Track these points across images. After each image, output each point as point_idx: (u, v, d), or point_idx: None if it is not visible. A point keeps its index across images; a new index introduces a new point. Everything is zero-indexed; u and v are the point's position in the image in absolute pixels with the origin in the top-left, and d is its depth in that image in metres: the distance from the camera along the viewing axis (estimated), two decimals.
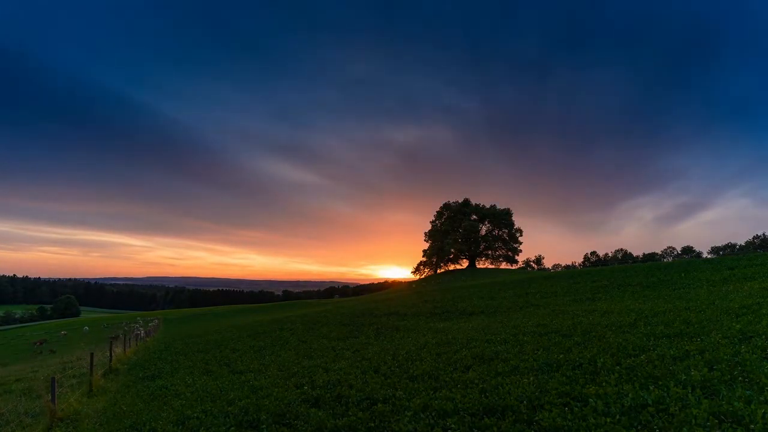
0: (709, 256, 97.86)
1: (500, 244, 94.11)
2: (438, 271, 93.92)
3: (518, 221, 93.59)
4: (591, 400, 5.82)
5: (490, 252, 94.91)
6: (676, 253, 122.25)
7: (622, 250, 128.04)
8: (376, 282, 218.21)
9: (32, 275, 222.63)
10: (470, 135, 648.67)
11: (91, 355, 13.31)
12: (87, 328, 59.44)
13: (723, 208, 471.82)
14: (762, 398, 4.99)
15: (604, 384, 6.42)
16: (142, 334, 29.98)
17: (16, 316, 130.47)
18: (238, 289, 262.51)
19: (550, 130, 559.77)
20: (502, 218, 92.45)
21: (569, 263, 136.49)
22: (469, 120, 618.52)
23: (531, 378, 7.32)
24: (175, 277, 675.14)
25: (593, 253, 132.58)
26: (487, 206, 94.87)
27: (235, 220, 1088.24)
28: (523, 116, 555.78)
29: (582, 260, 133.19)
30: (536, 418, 5.56)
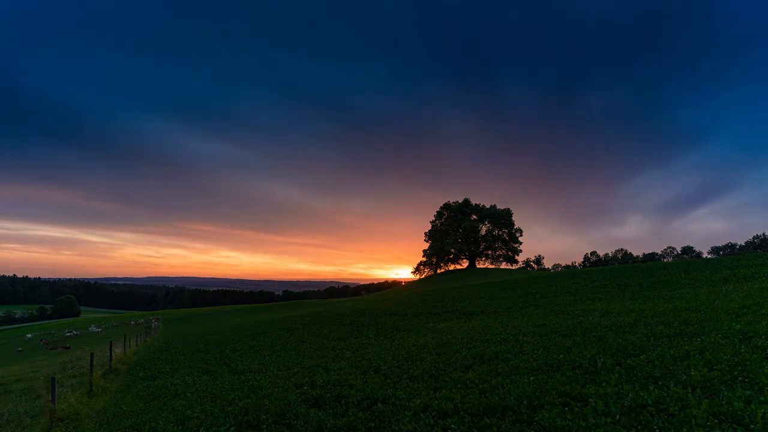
0: (708, 256, 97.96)
1: (500, 244, 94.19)
2: (438, 271, 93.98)
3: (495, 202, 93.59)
4: (591, 400, 5.81)
5: (490, 252, 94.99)
6: (676, 253, 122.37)
7: (622, 250, 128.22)
8: (376, 282, 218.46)
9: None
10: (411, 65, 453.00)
11: (91, 355, 13.31)
12: (137, 321, 60.30)
13: (752, 188, 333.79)
14: (762, 398, 4.99)
15: (604, 384, 6.41)
16: (154, 324, 30.55)
17: (16, 316, 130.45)
18: (238, 289, 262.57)
19: (520, 61, 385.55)
20: (502, 218, 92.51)
21: (569, 263, 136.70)
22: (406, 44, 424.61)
23: (531, 378, 7.32)
24: (175, 277, 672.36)
25: (593, 253, 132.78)
26: (487, 206, 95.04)
27: (186, 211, 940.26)
28: (481, 39, 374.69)
29: (582, 260, 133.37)
30: (536, 418, 5.55)
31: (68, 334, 49.08)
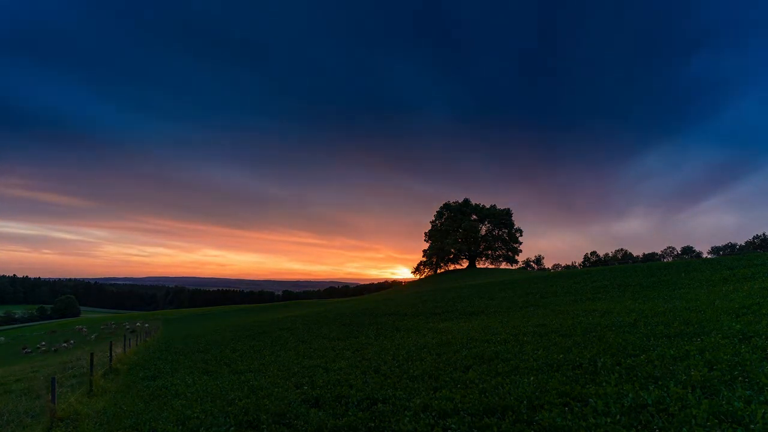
0: (708, 256, 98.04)
1: (500, 244, 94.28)
2: (438, 271, 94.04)
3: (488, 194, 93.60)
4: (591, 400, 5.81)
5: (490, 252, 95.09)
6: (676, 252, 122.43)
7: (622, 249, 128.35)
8: (376, 282, 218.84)
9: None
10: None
11: (91, 355, 13.31)
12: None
13: None
14: (762, 398, 4.99)
15: (604, 384, 6.42)
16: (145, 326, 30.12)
17: (16, 316, 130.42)
18: (238, 289, 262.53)
19: (490, 15, 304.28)
20: (501, 218, 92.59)
21: (569, 263, 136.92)
22: None
23: (531, 378, 7.32)
24: (175, 277, 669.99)
25: (593, 252, 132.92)
26: (487, 206, 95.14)
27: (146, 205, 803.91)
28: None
29: (582, 260, 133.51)
30: (536, 418, 5.56)
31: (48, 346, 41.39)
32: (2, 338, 57.84)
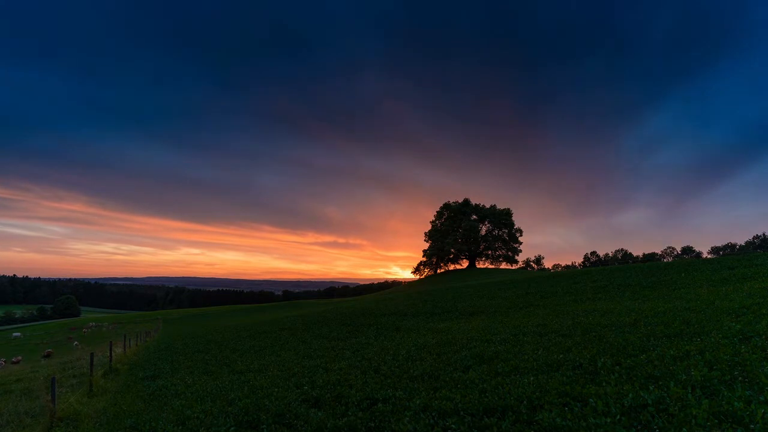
0: (708, 256, 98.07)
1: (500, 244, 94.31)
2: (438, 271, 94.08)
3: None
4: (591, 400, 5.81)
5: (490, 252, 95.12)
6: (675, 253, 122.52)
7: (622, 250, 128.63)
8: (376, 282, 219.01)
9: None
10: None
11: (91, 355, 13.32)
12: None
13: None
14: (762, 398, 4.98)
15: (604, 384, 6.41)
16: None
17: (16, 316, 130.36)
18: (238, 289, 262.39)
19: None
20: (502, 218, 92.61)
21: (569, 263, 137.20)
22: None
23: (531, 378, 7.32)
24: (175, 277, 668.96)
25: (593, 252, 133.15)
26: (487, 206, 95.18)
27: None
28: None
29: (582, 260, 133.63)
30: (536, 418, 5.55)
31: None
32: (18, 334, 57.86)
